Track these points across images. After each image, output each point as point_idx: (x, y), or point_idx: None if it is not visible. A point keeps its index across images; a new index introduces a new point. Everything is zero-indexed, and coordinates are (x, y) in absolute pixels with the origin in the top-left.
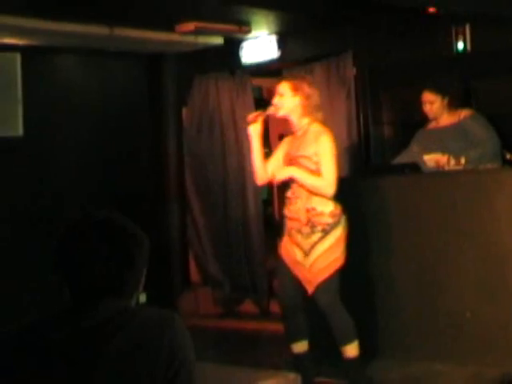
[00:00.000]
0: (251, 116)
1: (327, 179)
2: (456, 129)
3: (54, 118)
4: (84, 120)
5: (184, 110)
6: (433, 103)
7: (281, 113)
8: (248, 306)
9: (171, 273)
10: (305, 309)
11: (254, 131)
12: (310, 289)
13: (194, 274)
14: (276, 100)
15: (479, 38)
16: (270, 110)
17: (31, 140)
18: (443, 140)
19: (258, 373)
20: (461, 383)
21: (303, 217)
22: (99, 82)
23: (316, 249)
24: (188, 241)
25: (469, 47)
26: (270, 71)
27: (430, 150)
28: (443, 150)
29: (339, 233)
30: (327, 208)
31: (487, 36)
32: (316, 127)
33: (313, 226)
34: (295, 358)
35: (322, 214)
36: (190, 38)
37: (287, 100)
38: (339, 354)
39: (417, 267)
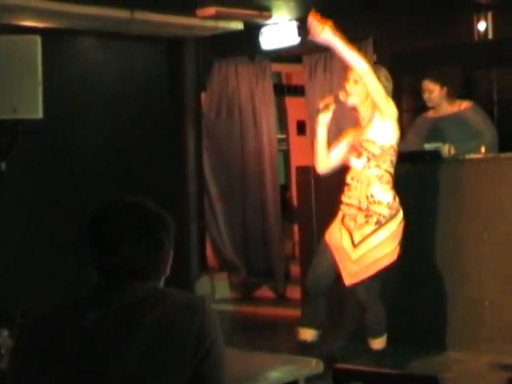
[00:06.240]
0: (323, 104)
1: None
2: (456, 119)
3: (74, 100)
4: (104, 103)
5: (203, 95)
6: (432, 92)
7: (351, 101)
8: (264, 291)
9: (188, 257)
10: (325, 298)
11: (323, 119)
12: (349, 281)
13: (211, 258)
14: (349, 86)
15: (501, 25)
16: (341, 97)
17: (51, 122)
18: (443, 129)
19: (279, 358)
20: (477, 371)
21: (364, 203)
22: (119, 66)
23: (367, 242)
24: (205, 225)
25: (490, 34)
26: (289, 57)
27: (429, 139)
28: (443, 140)
29: (394, 227)
30: (385, 197)
31: (509, 23)
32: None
33: (368, 216)
34: (300, 344)
35: (379, 203)
36: (211, 23)
37: (361, 89)
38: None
39: (436, 256)
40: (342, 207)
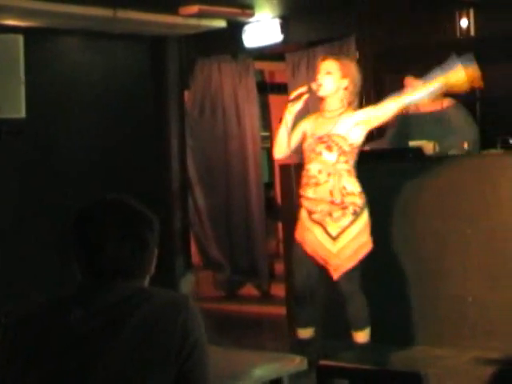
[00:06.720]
0: (294, 94)
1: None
2: (438, 116)
3: (57, 99)
4: (87, 102)
5: (186, 93)
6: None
7: (323, 92)
8: (249, 289)
9: (172, 255)
10: (316, 295)
11: (294, 108)
12: (336, 275)
13: (195, 256)
14: (321, 78)
15: (483, 22)
16: (314, 88)
17: (34, 121)
18: (425, 126)
19: (263, 355)
20: (461, 368)
21: (338, 196)
22: (102, 64)
23: (346, 234)
24: (189, 223)
25: (472, 32)
26: (272, 55)
27: (410, 136)
28: (425, 136)
29: (366, 216)
30: (356, 187)
31: (491, 20)
32: (350, 112)
33: (344, 208)
34: (299, 342)
35: (352, 193)
36: (193, 21)
37: (334, 80)
38: (345, 338)
39: (419, 253)
40: (306, 203)
